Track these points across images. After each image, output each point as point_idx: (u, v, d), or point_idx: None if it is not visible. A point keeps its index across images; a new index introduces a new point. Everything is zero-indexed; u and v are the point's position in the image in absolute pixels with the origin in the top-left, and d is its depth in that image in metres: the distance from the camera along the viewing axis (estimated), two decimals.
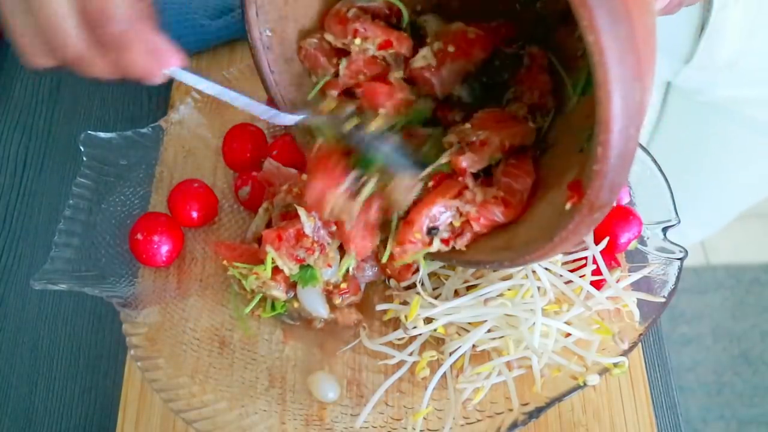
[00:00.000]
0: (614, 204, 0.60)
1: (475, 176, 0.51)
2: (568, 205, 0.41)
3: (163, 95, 0.79)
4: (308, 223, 0.52)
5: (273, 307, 0.59)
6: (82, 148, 0.61)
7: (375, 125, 0.51)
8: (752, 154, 0.92)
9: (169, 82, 0.79)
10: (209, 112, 0.70)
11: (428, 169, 0.50)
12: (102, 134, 0.62)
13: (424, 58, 0.53)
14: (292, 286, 0.57)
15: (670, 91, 0.94)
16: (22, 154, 0.76)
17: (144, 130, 0.66)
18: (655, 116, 0.99)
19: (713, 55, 0.75)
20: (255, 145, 0.66)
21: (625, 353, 0.54)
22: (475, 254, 0.51)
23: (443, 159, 0.50)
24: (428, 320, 0.56)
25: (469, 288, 0.57)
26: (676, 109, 0.95)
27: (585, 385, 0.52)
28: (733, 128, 0.88)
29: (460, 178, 0.50)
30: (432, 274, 0.59)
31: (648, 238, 0.61)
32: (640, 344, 0.59)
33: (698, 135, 0.95)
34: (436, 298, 0.57)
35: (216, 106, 0.70)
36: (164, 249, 0.60)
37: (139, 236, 0.59)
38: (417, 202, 0.50)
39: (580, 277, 0.56)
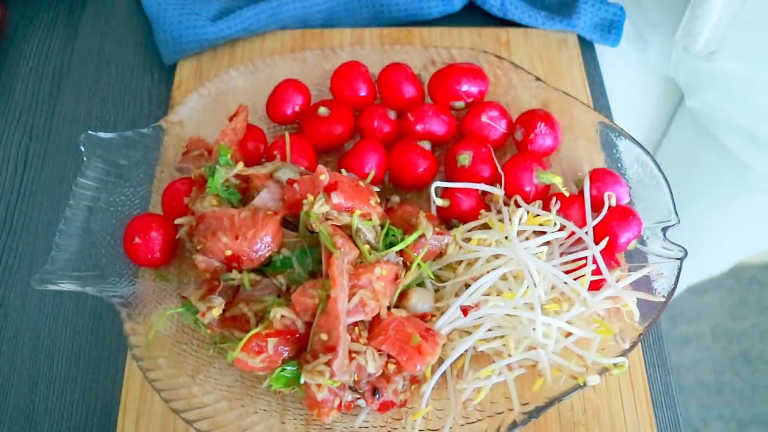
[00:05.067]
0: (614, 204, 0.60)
1: None
2: None
3: (163, 95, 0.79)
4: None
5: None
6: (82, 148, 0.61)
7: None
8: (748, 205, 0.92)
9: (170, 82, 0.79)
10: (209, 113, 0.70)
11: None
12: (102, 134, 0.62)
13: None
14: None
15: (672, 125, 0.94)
16: (22, 154, 0.76)
17: (144, 130, 0.66)
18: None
19: (695, 34, 0.75)
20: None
21: (624, 353, 0.54)
22: None
23: None
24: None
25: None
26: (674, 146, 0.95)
27: (585, 385, 0.53)
28: (733, 179, 0.88)
29: None
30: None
31: (648, 238, 0.61)
32: (639, 344, 0.59)
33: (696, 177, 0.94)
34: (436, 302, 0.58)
35: (216, 106, 0.70)
36: (156, 250, 0.60)
37: (137, 240, 0.59)
38: None
39: (580, 276, 0.56)
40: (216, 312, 0.54)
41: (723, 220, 0.97)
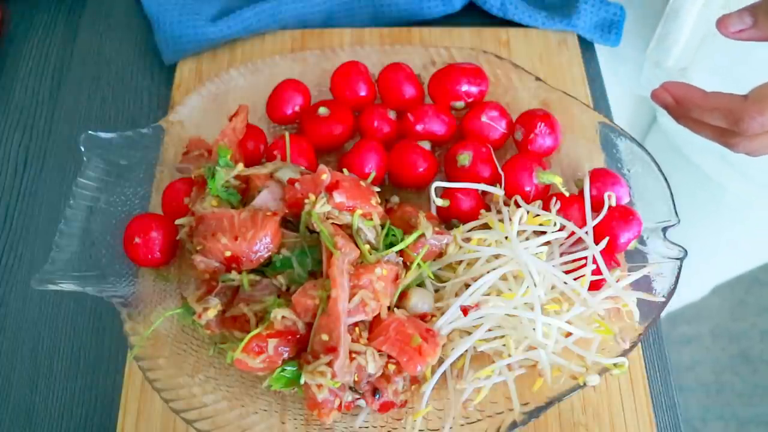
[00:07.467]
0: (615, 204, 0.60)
1: None
2: None
3: (163, 95, 0.80)
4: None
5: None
6: (82, 149, 0.61)
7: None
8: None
9: (170, 82, 0.79)
10: (209, 113, 0.70)
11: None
12: (102, 134, 0.62)
13: None
14: None
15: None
16: (22, 154, 0.76)
17: (144, 130, 0.66)
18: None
19: (667, 49, 0.75)
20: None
21: (624, 353, 0.54)
22: None
23: None
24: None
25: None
26: None
27: (585, 385, 0.53)
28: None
29: None
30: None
31: (648, 238, 0.61)
32: (639, 344, 0.59)
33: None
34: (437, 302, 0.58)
35: (216, 106, 0.70)
36: (156, 250, 0.60)
37: (137, 240, 0.59)
38: None
39: (580, 276, 0.56)
40: (212, 313, 0.54)
41: (698, 242, 0.96)
